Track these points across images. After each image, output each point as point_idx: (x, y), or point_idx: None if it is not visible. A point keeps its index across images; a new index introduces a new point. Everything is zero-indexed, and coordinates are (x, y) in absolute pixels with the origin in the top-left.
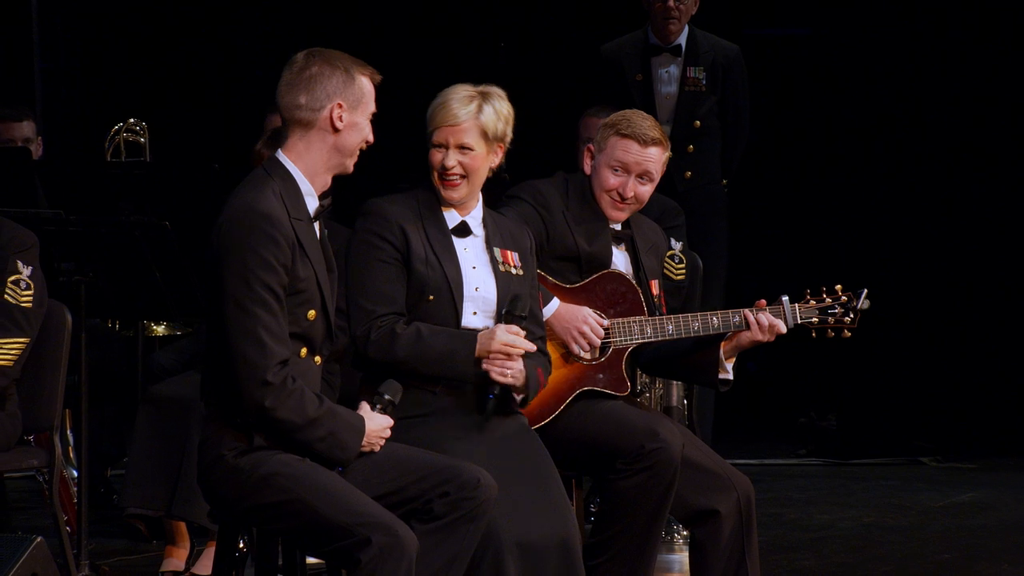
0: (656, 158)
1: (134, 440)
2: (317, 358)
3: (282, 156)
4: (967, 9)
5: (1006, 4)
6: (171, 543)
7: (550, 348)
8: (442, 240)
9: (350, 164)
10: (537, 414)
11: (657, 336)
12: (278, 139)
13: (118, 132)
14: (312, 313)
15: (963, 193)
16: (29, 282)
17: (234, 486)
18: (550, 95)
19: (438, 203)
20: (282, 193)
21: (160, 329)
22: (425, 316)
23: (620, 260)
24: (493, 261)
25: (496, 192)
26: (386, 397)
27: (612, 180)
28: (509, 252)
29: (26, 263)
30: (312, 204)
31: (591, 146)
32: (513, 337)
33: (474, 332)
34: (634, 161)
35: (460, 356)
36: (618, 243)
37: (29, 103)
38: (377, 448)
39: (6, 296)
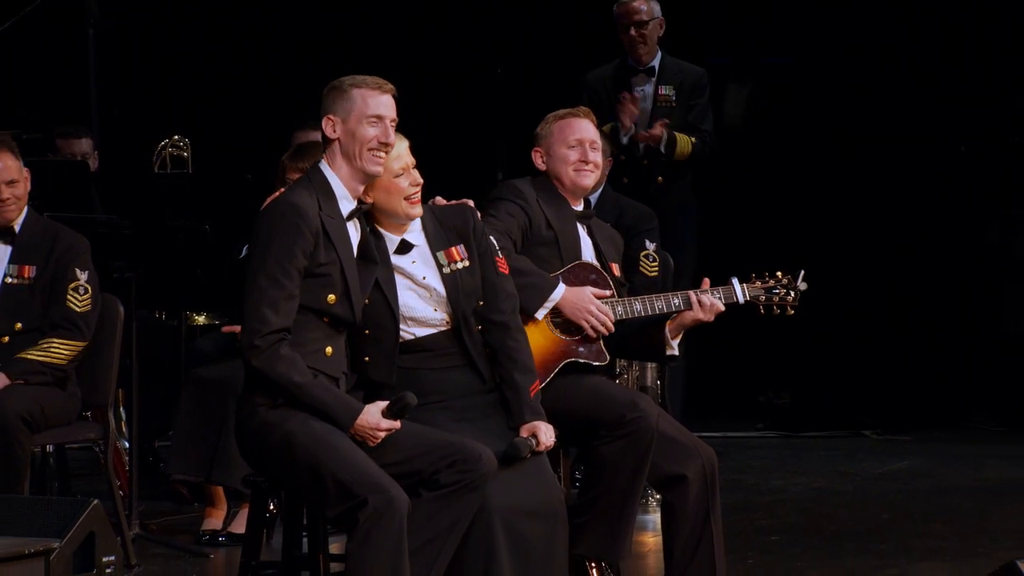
0: (593, 128)
1: (178, 416)
2: (343, 332)
3: (323, 164)
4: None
5: (949, 35)
6: (210, 505)
7: (530, 326)
8: (384, 273)
9: (369, 166)
10: None
11: (627, 314)
12: (301, 153)
13: (164, 147)
14: (332, 297)
15: (897, 197)
16: (87, 286)
17: (263, 437)
18: (542, 115)
19: (380, 230)
20: (318, 194)
21: (201, 319)
22: (366, 342)
23: (585, 242)
24: (439, 266)
25: (484, 191)
26: (406, 400)
27: (572, 155)
28: (454, 248)
29: (82, 268)
30: (347, 207)
31: (538, 148)
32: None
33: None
34: (582, 134)
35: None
36: (582, 223)
37: (87, 122)
38: (369, 443)
39: (69, 304)
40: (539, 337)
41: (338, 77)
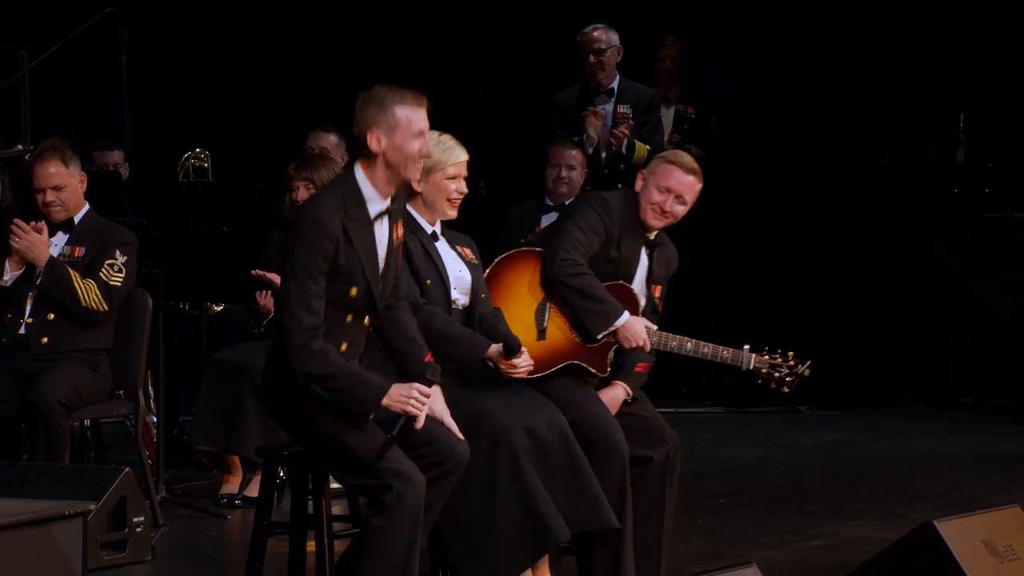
0: (692, 185)
1: (200, 393)
2: (367, 319)
3: (356, 167)
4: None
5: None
6: (228, 472)
7: (554, 323)
8: (429, 243)
9: (409, 174)
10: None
11: (679, 350)
12: (305, 164)
13: (187, 159)
14: (354, 291)
15: (834, 204)
16: (123, 267)
17: (293, 415)
18: (518, 131)
19: (415, 213)
20: (345, 199)
21: (219, 309)
22: (425, 296)
23: (642, 265)
24: (460, 256)
25: (471, 204)
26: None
27: (656, 197)
28: (466, 248)
29: (123, 253)
30: (375, 208)
31: (643, 171)
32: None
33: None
34: (675, 185)
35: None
36: (648, 249)
37: (119, 137)
38: (410, 409)
39: (101, 274)
40: (557, 333)
41: (367, 85)
